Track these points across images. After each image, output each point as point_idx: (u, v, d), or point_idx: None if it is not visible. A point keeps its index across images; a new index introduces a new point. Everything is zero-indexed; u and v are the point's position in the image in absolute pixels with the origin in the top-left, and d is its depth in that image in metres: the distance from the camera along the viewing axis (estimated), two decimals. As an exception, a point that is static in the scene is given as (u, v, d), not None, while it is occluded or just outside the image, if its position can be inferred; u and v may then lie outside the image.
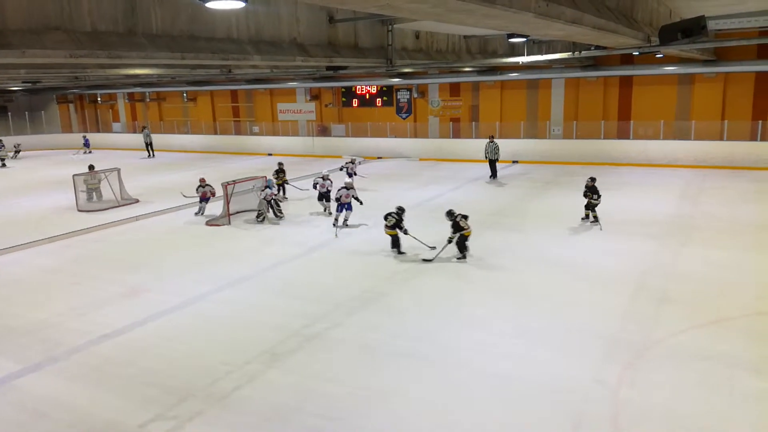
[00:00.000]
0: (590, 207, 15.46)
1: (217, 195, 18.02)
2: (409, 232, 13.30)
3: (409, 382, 7.84)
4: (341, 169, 20.56)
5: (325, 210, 17.69)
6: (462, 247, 12.85)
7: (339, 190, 15.64)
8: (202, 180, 18.47)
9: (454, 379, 7.87)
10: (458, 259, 12.82)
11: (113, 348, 9.14)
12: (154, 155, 35.44)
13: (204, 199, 18.05)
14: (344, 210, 15.67)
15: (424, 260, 12.89)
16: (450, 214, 12.80)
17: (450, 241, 12.77)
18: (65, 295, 11.55)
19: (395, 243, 13.45)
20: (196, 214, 18.04)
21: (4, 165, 33.13)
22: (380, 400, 7.40)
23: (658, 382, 7.56)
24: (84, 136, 38.70)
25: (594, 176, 15.87)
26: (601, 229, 14.92)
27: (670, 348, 8.53)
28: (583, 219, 15.68)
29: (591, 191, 15.34)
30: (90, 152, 37.02)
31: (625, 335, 8.95)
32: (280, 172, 20.04)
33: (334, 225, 15.68)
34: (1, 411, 7.45)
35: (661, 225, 15.16)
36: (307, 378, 8.02)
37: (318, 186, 17.68)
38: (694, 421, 6.75)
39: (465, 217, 12.80)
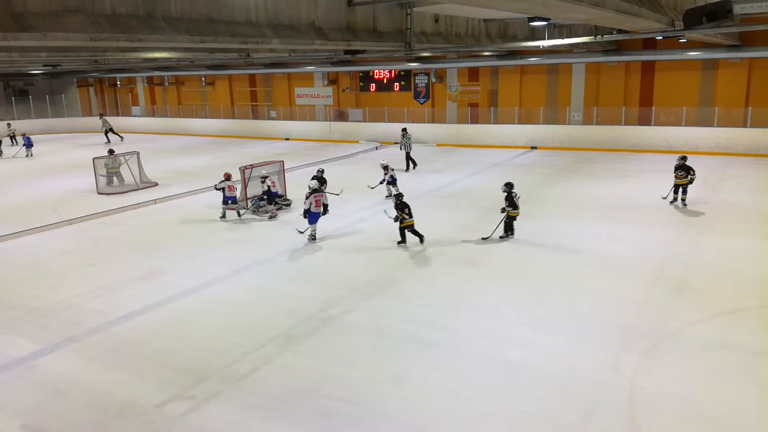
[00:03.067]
0: (682, 189, 15.53)
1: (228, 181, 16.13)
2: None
3: (421, 367, 7.84)
4: (382, 183, 17.62)
5: (269, 216, 15.92)
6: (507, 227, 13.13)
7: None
8: (227, 175, 15.94)
9: (467, 365, 7.86)
10: (500, 237, 13.07)
11: (131, 329, 9.25)
12: (119, 137, 35.24)
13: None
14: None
15: (483, 238, 13.18)
16: (507, 185, 12.94)
17: (503, 211, 12.96)
18: (83, 277, 11.70)
19: (416, 233, 12.98)
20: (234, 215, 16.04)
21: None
22: (393, 385, 7.42)
23: (674, 372, 7.49)
24: (24, 135, 31.55)
25: (685, 155, 15.95)
26: (677, 203, 15.62)
27: (687, 337, 8.44)
28: (675, 202, 15.73)
29: (682, 170, 15.31)
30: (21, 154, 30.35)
31: (641, 324, 8.86)
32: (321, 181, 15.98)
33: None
34: (22, 390, 7.59)
35: (681, 213, 14.96)
36: (322, 361, 8.06)
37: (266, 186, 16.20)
38: (710, 410, 6.68)
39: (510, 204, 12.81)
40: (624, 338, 8.42)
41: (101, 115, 37.66)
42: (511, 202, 12.81)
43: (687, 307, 9.41)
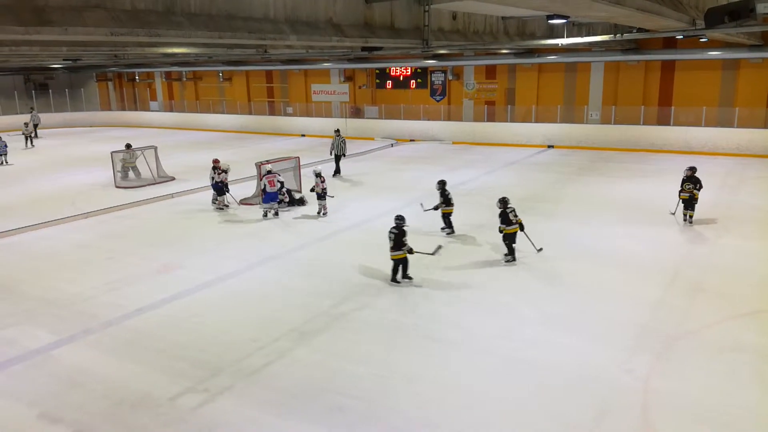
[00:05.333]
0: (690, 204, 13.84)
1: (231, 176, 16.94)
2: (414, 250, 10.58)
3: (434, 365, 7.84)
4: (312, 190, 15.68)
5: (221, 205, 16.52)
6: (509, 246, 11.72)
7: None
8: (216, 161, 16.82)
9: (479, 364, 7.84)
10: (505, 255, 11.76)
11: (146, 322, 9.34)
12: (37, 136, 33.74)
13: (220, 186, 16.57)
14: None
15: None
16: (502, 201, 11.67)
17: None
18: (100, 269, 11.82)
19: (400, 268, 10.66)
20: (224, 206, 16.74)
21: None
22: (405, 382, 7.42)
23: (688, 373, 7.42)
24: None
25: (694, 166, 14.13)
26: (687, 222, 13.85)
27: (702, 339, 8.36)
28: (686, 221, 13.94)
29: (691, 182, 13.60)
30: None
31: (656, 325, 8.78)
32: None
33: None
34: (39, 380, 7.69)
35: (698, 214, 14.75)
36: (334, 357, 8.08)
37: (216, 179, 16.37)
38: (724, 412, 6.61)
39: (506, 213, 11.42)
40: (638, 339, 8.35)
41: (32, 109, 37.06)
42: (505, 218, 11.47)
43: (702, 309, 9.32)
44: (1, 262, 12.50)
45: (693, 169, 13.87)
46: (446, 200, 13.49)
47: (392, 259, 10.53)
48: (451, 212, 13.61)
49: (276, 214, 15.37)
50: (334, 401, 7.01)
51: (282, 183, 15.75)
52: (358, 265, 11.75)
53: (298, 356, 8.15)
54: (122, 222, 15.53)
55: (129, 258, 12.50)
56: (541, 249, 12.05)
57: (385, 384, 7.38)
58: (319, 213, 15.60)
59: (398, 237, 10.34)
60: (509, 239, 11.60)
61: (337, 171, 21.22)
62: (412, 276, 10.71)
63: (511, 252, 11.67)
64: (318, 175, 15.52)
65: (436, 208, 13.54)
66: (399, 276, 10.65)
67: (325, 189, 15.52)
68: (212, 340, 8.68)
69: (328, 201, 15.68)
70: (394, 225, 10.48)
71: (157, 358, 8.17)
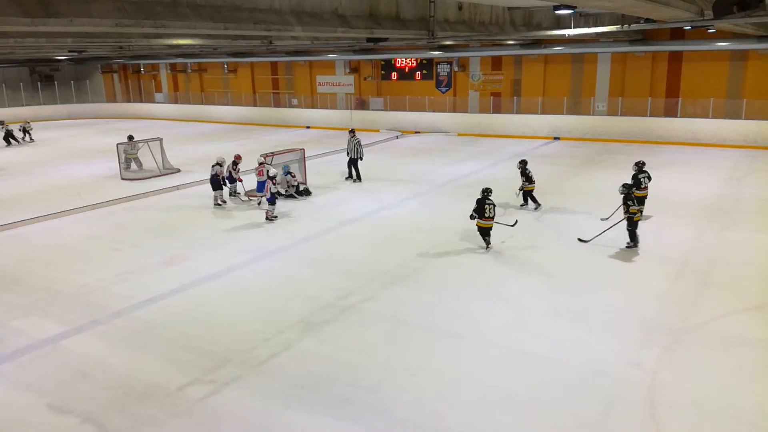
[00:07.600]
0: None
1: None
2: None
3: (440, 357, 7.85)
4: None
5: (218, 201, 16.11)
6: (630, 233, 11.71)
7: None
8: (237, 157, 16.79)
9: (485, 356, 7.84)
10: (627, 246, 11.73)
11: (153, 313, 9.38)
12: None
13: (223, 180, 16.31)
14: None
15: (580, 240, 12.19)
16: (630, 186, 11.69)
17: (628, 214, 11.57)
18: (107, 261, 11.87)
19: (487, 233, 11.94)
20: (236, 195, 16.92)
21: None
22: (411, 374, 7.43)
23: (696, 367, 7.40)
24: None
25: (642, 160, 13.79)
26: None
27: (710, 332, 8.33)
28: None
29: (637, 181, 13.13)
30: None
31: (663, 318, 8.76)
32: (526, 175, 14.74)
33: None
34: (46, 371, 7.74)
35: (705, 207, 14.73)
36: (340, 349, 8.10)
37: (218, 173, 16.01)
38: (731, 406, 6.60)
39: (635, 201, 11.45)
40: (646, 332, 8.34)
41: None
42: (629, 202, 11.41)
43: (710, 302, 9.29)
44: (8, 253, 12.57)
45: (637, 164, 13.52)
46: (528, 179, 14.54)
47: (484, 227, 11.85)
48: (533, 189, 14.70)
49: (259, 203, 15.73)
50: (341, 392, 7.03)
51: (269, 172, 15.14)
52: (364, 258, 11.77)
53: (304, 348, 8.18)
54: (129, 213, 15.57)
55: (136, 249, 12.54)
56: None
57: (391, 376, 7.40)
58: (272, 217, 14.39)
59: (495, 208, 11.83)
60: (633, 225, 11.64)
61: (354, 176, 18.92)
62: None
63: (633, 238, 11.75)
64: (281, 176, 14.81)
65: (521, 189, 14.65)
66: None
67: (278, 194, 14.69)
68: (219, 331, 8.71)
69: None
70: (484, 197, 11.73)
71: (165, 349, 8.21)
